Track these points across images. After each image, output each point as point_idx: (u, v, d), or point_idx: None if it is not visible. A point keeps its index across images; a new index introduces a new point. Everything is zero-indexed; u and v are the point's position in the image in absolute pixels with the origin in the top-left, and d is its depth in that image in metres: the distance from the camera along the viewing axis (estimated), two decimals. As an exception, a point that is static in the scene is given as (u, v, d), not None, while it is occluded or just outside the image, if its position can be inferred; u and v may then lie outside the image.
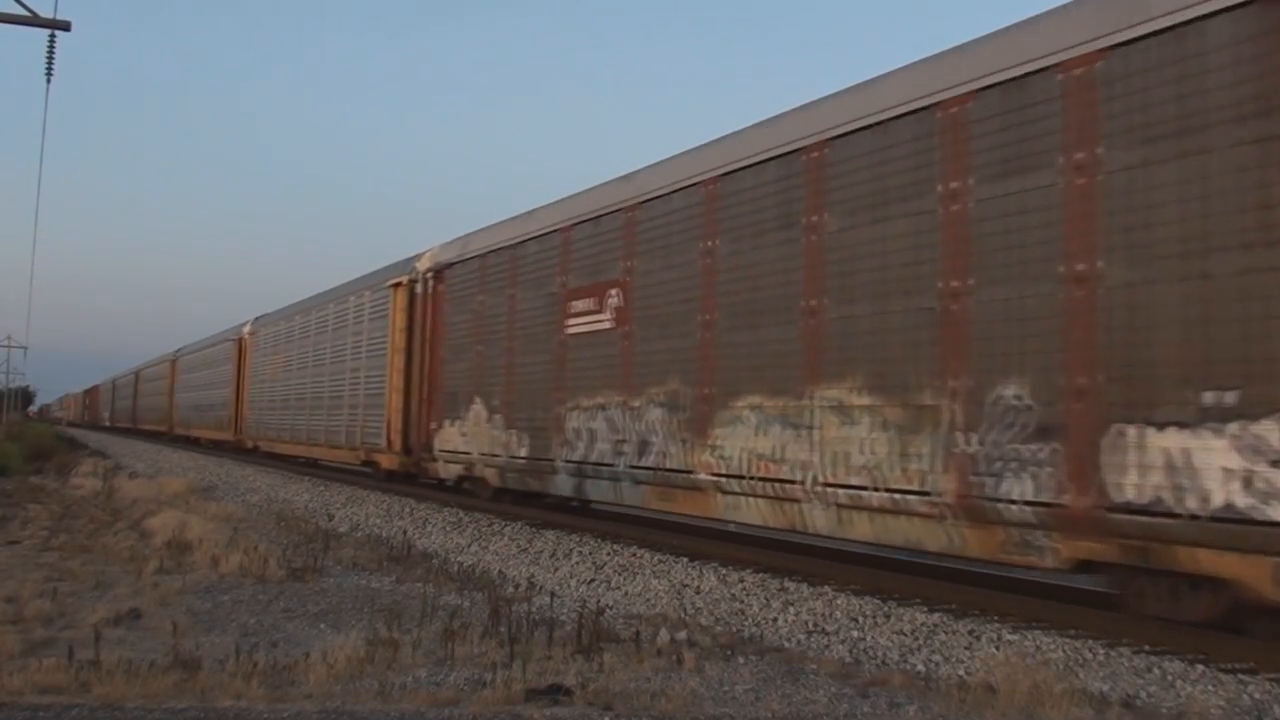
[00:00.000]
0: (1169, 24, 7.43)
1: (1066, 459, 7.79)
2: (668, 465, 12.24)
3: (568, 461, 14.33)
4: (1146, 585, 7.78)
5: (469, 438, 17.24)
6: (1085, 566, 7.96)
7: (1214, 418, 6.93)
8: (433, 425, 18.65)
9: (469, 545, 14.49)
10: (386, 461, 20.97)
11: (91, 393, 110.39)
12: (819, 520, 10.14)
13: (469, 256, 17.86)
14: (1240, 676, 6.91)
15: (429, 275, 19.38)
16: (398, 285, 20.81)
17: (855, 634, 8.69)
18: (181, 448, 43.77)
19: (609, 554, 12.61)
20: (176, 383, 50.11)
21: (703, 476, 11.61)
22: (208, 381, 41.61)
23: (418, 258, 20.10)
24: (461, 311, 18.01)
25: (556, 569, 12.36)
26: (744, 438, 11.06)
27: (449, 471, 18.17)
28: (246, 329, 35.00)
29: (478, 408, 16.97)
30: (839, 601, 9.49)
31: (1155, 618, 7.78)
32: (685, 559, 11.87)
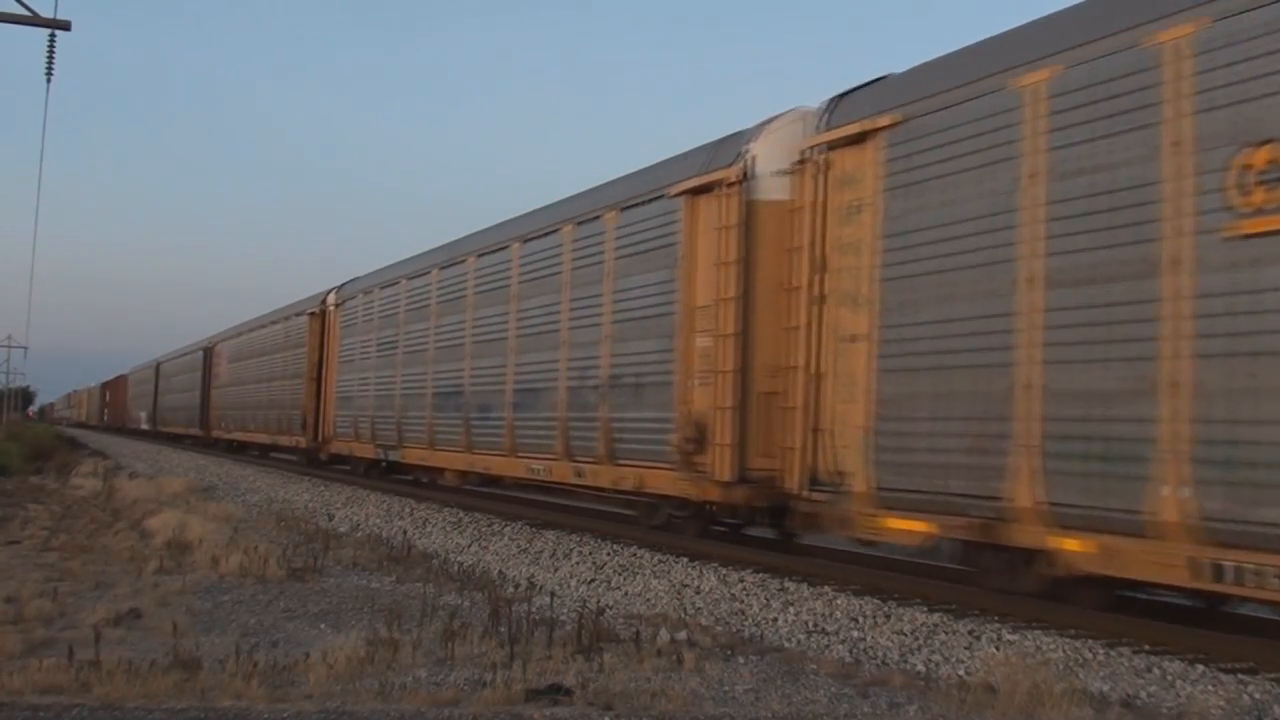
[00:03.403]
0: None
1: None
2: None
3: None
4: None
5: None
6: None
7: None
8: None
9: (469, 545, 14.49)
10: None
11: (115, 386, 79.01)
12: None
13: None
14: (1240, 676, 6.91)
15: None
16: None
17: (855, 634, 8.69)
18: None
19: (609, 554, 12.61)
20: (335, 349, 25.33)
21: None
22: (483, 333, 17.42)
23: None
24: None
25: (556, 569, 12.36)
26: None
27: None
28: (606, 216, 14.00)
29: None
30: (839, 601, 9.49)
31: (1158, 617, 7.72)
32: (685, 559, 11.86)
